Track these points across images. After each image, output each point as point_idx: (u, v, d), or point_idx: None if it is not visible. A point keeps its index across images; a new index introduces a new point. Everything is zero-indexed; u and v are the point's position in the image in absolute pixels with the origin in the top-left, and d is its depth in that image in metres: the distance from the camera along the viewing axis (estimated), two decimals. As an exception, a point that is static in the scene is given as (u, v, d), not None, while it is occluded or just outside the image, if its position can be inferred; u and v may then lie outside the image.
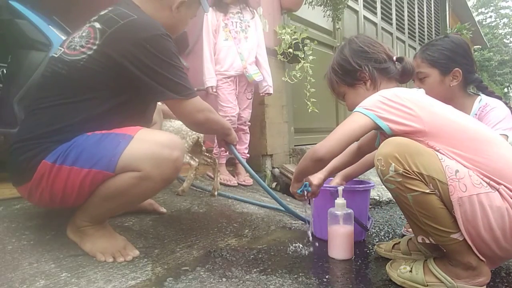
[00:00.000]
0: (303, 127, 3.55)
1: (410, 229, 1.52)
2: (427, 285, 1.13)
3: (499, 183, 1.04)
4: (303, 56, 3.00)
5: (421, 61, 1.60)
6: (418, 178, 1.05)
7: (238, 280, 1.20)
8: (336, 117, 4.16)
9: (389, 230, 1.90)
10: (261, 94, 2.75)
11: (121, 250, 1.29)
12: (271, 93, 2.75)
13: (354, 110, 1.22)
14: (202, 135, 2.12)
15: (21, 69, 1.80)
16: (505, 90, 22.41)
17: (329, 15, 3.55)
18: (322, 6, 3.44)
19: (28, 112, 1.28)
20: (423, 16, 7.36)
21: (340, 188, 1.46)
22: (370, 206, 2.38)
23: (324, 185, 1.56)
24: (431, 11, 7.79)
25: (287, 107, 3.26)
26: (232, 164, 2.81)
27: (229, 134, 1.59)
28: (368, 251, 1.55)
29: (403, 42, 6.31)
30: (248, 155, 2.71)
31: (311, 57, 3.01)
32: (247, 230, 1.74)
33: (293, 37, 2.97)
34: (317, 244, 1.55)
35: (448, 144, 1.10)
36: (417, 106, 1.14)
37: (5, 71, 1.93)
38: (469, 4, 13.70)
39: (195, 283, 1.16)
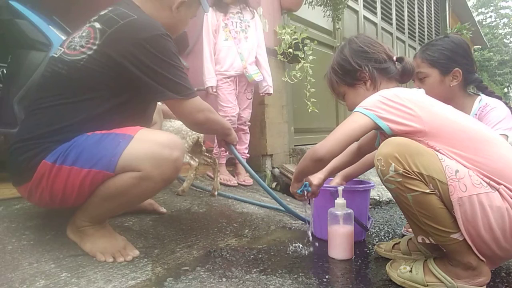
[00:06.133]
0: (303, 127, 3.55)
1: (410, 229, 1.52)
2: (427, 285, 1.13)
3: (499, 183, 1.04)
4: (303, 56, 3.00)
5: (421, 61, 1.60)
6: (418, 178, 1.05)
7: (238, 280, 1.20)
8: (336, 117, 4.16)
9: (389, 230, 1.90)
10: (261, 94, 2.75)
11: (121, 250, 1.29)
12: (271, 93, 2.75)
13: (354, 110, 1.22)
14: (202, 135, 2.12)
15: (21, 69, 1.80)
16: (505, 90, 22.41)
17: (329, 15, 3.56)
18: (322, 6, 3.45)
19: (28, 112, 1.28)
20: (423, 16, 7.36)
21: (340, 188, 1.46)
22: (370, 206, 2.38)
23: (324, 185, 1.56)
24: (431, 11, 7.79)
25: (287, 107, 3.26)
26: (232, 164, 2.81)
27: (229, 134, 1.59)
28: (368, 251, 1.55)
29: (403, 42, 6.31)
30: (248, 155, 2.71)
31: (311, 57, 3.01)
32: (247, 230, 1.74)
33: (293, 37, 2.97)
34: (317, 244, 1.55)
35: (448, 144, 1.10)
36: (417, 106, 1.14)
37: (5, 71, 1.93)
38: (469, 4, 13.70)
39: (195, 283, 1.16)
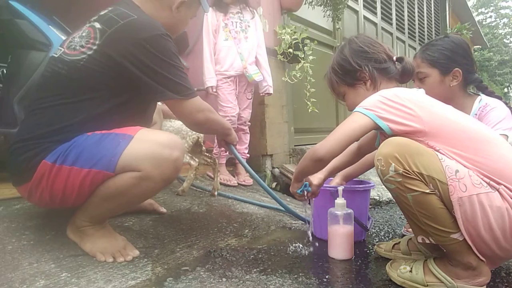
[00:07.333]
0: (303, 127, 3.55)
1: (410, 229, 1.52)
2: (427, 285, 1.13)
3: (499, 183, 1.04)
4: (303, 56, 3.00)
5: (421, 61, 1.60)
6: (418, 178, 1.05)
7: (238, 280, 1.20)
8: (336, 117, 4.16)
9: (389, 230, 1.90)
10: (261, 94, 2.75)
11: (121, 250, 1.29)
12: (271, 93, 2.75)
13: (354, 110, 1.22)
14: (202, 135, 2.12)
15: (21, 69, 1.80)
16: (505, 90, 22.41)
17: (329, 15, 3.56)
18: (322, 6, 3.45)
19: (28, 112, 1.28)
20: (423, 16, 7.36)
21: (340, 188, 1.46)
22: (370, 206, 2.38)
23: (324, 185, 1.56)
24: (431, 11, 7.79)
25: (287, 107, 3.26)
26: (232, 164, 2.81)
27: (229, 134, 1.59)
28: (368, 251, 1.55)
29: (403, 42, 6.31)
30: (248, 155, 2.71)
31: (311, 57, 3.01)
32: (247, 230, 1.74)
33: (293, 37, 2.97)
34: (317, 244, 1.55)
35: (448, 144, 1.10)
36: (417, 106, 1.14)
37: (5, 71, 1.93)
38: (469, 4, 13.69)
39: (195, 283, 1.16)
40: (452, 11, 9.07)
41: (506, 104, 1.58)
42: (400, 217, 2.15)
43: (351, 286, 1.20)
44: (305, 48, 2.99)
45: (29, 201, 1.33)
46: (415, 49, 6.53)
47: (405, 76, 1.37)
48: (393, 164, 1.06)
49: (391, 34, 5.80)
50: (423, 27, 7.31)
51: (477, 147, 1.09)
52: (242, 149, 2.66)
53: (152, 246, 1.42)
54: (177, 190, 2.11)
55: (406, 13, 6.43)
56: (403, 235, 1.69)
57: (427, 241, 1.12)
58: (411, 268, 1.18)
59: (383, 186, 1.17)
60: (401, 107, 1.14)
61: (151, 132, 1.27)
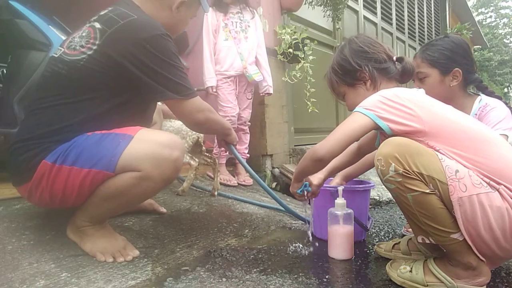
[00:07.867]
0: (303, 127, 3.55)
1: (410, 229, 1.52)
2: (427, 285, 1.13)
3: (499, 183, 1.04)
4: (303, 56, 3.00)
5: (421, 61, 1.60)
6: (418, 178, 1.05)
7: (238, 280, 1.20)
8: (336, 117, 4.16)
9: (389, 230, 1.90)
10: (261, 94, 2.75)
11: (121, 250, 1.29)
12: (271, 93, 2.76)
13: (354, 110, 1.22)
14: (202, 135, 2.12)
15: (21, 69, 1.80)
16: (505, 90, 22.41)
17: (329, 15, 3.56)
18: (322, 6, 3.45)
19: (28, 112, 1.28)
20: (423, 16, 7.36)
21: (340, 188, 1.46)
22: (370, 206, 2.38)
23: (324, 185, 1.56)
24: (431, 11, 7.79)
25: (287, 107, 3.27)
26: (232, 164, 2.81)
27: (229, 134, 1.59)
28: (368, 251, 1.55)
29: (403, 42, 6.31)
30: (248, 155, 2.71)
31: (311, 57, 3.01)
32: (247, 230, 1.74)
33: (293, 37, 2.97)
34: (317, 244, 1.55)
35: (448, 144, 1.10)
36: (417, 106, 1.14)
37: (5, 71, 1.93)
38: (469, 4, 13.69)
39: (195, 283, 1.16)
40: (452, 11, 9.07)
41: (506, 104, 1.58)
42: (400, 217, 2.15)
43: (351, 286, 1.20)
44: (305, 48, 2.99)
45: (29, 201, 1.33)
46: (415, 49, 6.53)
47: (405, 76, 1.37)
48: (393, 164, 1.06)
49: (391, 34, 5.80)
50: (423, 27, 7.31)
51: (477, 147, 1.09)
52: (242, 149, 2.66)
53: (152, 246, 1.42)
54: (177, 190, 2.11)
55: (406, 13, 6.43)
56: (403, 235, 1.69)
57: (427, 241, 1.12)
58: (411, 268, 1.18)
59: (383, 186, 1.17)
60: (401, 107, 1.14)
61: (151, 132, 1.27)
